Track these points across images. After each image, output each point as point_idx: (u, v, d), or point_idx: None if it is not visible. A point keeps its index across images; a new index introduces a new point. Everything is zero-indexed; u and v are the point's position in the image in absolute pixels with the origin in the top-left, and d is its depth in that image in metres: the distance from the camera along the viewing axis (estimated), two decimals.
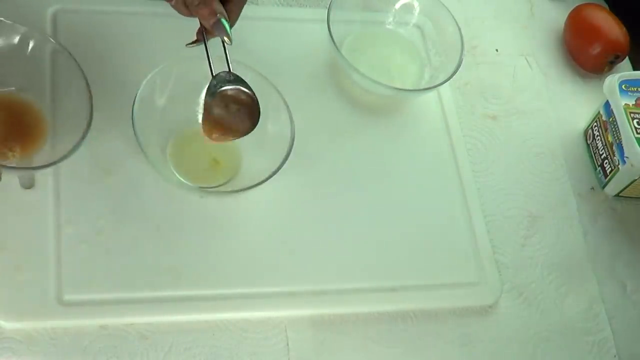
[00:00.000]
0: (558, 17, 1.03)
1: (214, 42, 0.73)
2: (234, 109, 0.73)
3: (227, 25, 0.70)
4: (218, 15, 0.69)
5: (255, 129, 0.78)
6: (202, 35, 0.73)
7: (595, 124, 0.92)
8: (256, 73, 0.78)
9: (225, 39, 0.71)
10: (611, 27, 0.98)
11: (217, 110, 0.72)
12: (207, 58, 0.73)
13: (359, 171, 0.83)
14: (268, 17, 0.91)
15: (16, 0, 0.83)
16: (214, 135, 0.73)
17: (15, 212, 0.71)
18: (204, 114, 0.72)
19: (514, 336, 0.79)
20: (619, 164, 0.87)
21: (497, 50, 0.99)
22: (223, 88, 0.71)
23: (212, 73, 0.72)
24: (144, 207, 0.75)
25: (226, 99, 0.72)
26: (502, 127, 0.93)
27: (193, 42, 0.75)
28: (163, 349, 0.69)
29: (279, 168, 0.74)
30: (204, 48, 0.73)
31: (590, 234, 0.88)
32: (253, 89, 0.78)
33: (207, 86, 0.72)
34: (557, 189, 0.90)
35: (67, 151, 0.68)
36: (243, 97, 0.72)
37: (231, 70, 0.72)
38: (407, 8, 0.92)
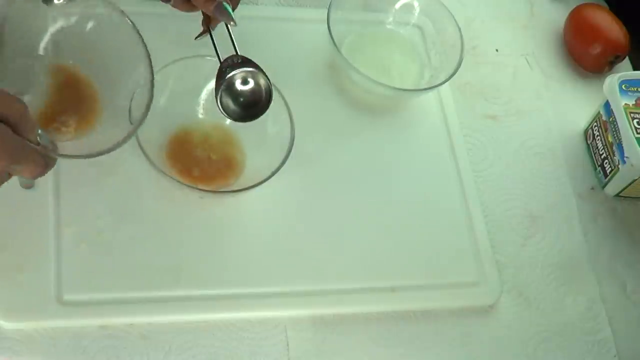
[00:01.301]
0: (558, 17, 1.03)
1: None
2: (246, 90, 0.73)
3: (228, 8, 0.70)
4: None
5: (255, 129, 0.79)
6: (207, 25, 0.74)
7: (595, 124, 0.92)
8: (256, 72, 0.78)
9: (229, 22, 0.71)
10: (611, 27, 0.98)
11: (228, 94, 0.73)
12: (213, 46, 0.73)
13: (359, 171, 0.83)
14: (268, 17, 0.91)
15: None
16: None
17: (15, 212, 0.71)
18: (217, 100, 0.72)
19: (514, 336, 0.79)
20: (619, 164, 0.87)
21: (497, 50, 0.99)
22: (231, 73, 0.72)
23: (219, 59, 0.73)
24: (144, 207, 0.75)
25: (235, 82, 0.73)
26: (502, 127, 0.93)
27: (200, 34, 0.76)
28: (163, 349, 0.69)
29: (279, 168, 0.74)
30: (210, 37, 0.74)
31: (590, 234, 0.88)
32: None
33: (217, 72, 0.73)
34: (557, 189, 0.90)
35: (120, 138, 0.66)
36: (251, 77, 0.73)
37: (238, 53, 0.73)
38: (407, 8, 0.92)
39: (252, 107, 0.73)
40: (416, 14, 0.92)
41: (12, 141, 0.56)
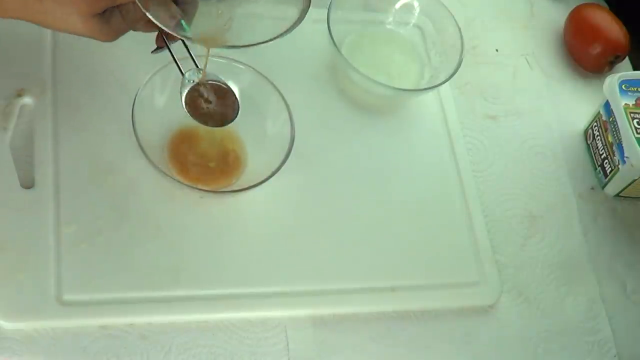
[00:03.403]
0: (558, 17, 1.03)
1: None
2: (212, 100, 0.74)
3: (185, 26, 0.71)
4: (178, 17, 0.70)
5: (255, 129, 0.79)
6: (164, 40, 0.74)
7: (595, 124, 0.92)
8: (256, 73, 0.78)
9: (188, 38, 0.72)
10: (611, 27, 0.98)
11: (197, 104, 0.74)
12: (174, 60, 0.74)
13: (359, 171, 0.83)
14: (268, 17, 0.91)
15: None
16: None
17: (15, 212, 0.71)
18: (188, 111, 0.74)
19: (514, 336, 0.79)
20: (619, 164, 0.87)
21: (497, 50, 0.99)
22: (194, 83, 0.74)
23: (181, 72, 0.74)
24: (144, 207, 0.75)
25: (200, 92, 0.74)
26: (502, 127, 0.93)
27: (157, 50, 0.75)
28: (163, 349, 0.69)
29: (279, 168, 0.74)
30: (169, 52, 0.74)
31: (590, 234, 0.88)
32: (253, 89, 0.78)
33: (180, 85, 0.74)
34: (557, 189, 0.90)
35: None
36: (215, 87, 0.75)
37: (198, 66, 0.74)
38: (407, 8, 0.92)
39: (220, 114, 0.75)
40: (416, 14, 0.92)
41: None
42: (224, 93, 0.75)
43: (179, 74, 0.77)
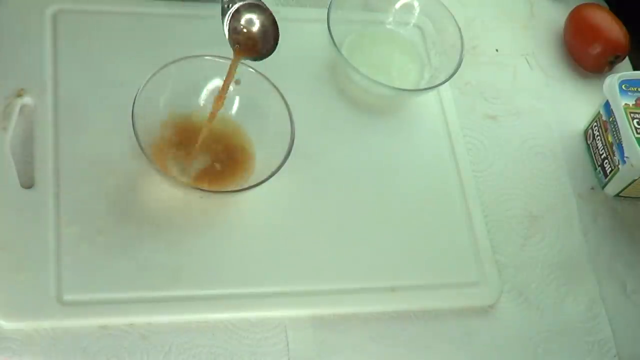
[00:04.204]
0: (558, 17, 1.03)
1: None
2: (252, 25, 0.72)
3: None
4: None
5: (255, 129, 0.79)
6: None
7: (595, 124, 0.92)
8: (256, 73, 0.78)
9: None
10: (611, 27, 0.98)
11: (236, 29, 0.72)
12: None
13: (359, 171, 0.83)
14: None
15: (16, 0, 0.83)
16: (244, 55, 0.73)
17: (15, 212, 0.71)
18: (228, 37, 0.72)
19: (514, 336, 0.79)
20: (619, 164, 0.87)
21: (497, 50, 0.99)
22: (235, 6, 0.71)
23: None
24: (144, 207, 0.75)
25: (240, 17, 0.72)
26: (502, 127, 0.93)
27: None
28: (163, 349, 0.69)
29: (279, 168, 0.74)
30: None
31: (590, 234, 0.88)
32: (253, 89, 0.78)
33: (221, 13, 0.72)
34: (557, 189, 0.90)
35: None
36: (256, 12, 0.72)
37: None
38: (407, 8, 0.92)
39: (260, 41, 0.74)
40: (416, 14, 0.92)
41: None
42: (264, 22, 0.73)
43: (178, 75, 0.77)
